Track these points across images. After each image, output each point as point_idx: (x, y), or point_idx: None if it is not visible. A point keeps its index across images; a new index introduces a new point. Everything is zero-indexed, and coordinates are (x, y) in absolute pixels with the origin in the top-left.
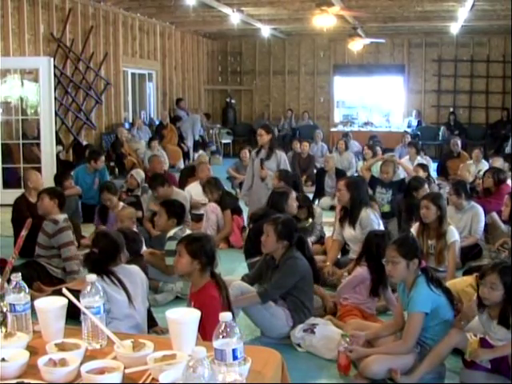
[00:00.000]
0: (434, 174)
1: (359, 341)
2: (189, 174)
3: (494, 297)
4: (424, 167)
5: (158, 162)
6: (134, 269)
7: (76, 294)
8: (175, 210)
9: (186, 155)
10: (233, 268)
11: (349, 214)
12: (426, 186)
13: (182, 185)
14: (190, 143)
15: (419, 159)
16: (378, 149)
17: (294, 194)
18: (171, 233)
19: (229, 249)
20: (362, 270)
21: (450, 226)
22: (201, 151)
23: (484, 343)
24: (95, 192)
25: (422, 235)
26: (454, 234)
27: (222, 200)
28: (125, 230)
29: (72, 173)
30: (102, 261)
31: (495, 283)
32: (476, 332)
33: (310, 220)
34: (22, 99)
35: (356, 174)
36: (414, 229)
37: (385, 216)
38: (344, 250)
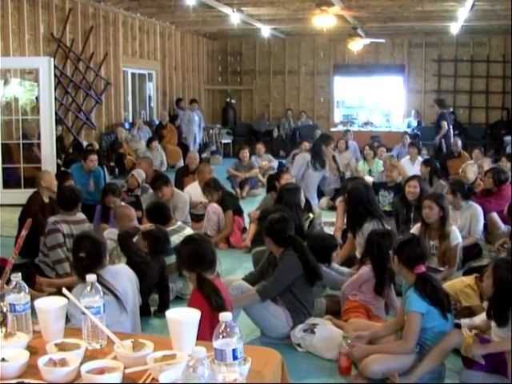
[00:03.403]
0: None
1: (362, 340)
2: (184, 174)
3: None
4: (427, 163)
5: (147, 165)
6: (121, 268)
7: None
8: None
9: (186, 155)
10: (233, 268)
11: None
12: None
13: (178, 185)
14: (190, 143)
15: (419, 159)
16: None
17: (301, 190)
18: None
19: (229, 249)
20: (367, 269)
21: (452, 226)
22: (191, 150)
23: (482, 340)
24: (90, 193)
25: (424, 236)
26: (457, 236)
27: (224, 201)
28: (149, 229)
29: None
30: (90, 265)
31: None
32: (483, 329)
33: (311, 215)
34: (21, 99)
35: (355, 175)
36: (414, 229)
37: (386, 215)
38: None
